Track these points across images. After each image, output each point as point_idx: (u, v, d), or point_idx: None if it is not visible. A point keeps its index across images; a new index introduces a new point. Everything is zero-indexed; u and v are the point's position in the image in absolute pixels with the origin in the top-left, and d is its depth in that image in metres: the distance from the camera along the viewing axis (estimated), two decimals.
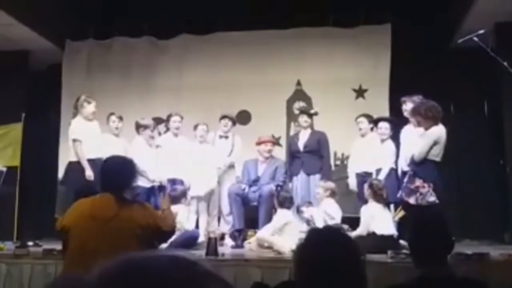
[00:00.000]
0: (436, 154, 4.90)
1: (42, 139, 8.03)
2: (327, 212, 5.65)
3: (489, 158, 7.47)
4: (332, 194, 5.84)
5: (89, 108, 5.90)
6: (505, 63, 5.17)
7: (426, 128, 4.91)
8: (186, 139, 6.72)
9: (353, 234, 4.91)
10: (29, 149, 7.64)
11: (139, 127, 6.44)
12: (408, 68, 7.31)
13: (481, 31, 5.18)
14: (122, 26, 8.04)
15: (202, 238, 5.81)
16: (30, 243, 5.58)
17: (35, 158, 7.89)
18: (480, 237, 6.65)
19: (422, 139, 4.92)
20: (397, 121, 6.22)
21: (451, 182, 6.66)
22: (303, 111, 6.67)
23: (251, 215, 6.24)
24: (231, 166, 6.71)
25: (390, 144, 6.13)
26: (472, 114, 7.69)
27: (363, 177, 6.08)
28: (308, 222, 5.59)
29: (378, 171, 6.02)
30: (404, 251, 4.29)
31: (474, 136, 7.53)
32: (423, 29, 7.36)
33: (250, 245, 5.53)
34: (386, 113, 6.90)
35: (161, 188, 6.34)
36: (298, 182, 6.34)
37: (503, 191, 7.11)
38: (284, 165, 6.56)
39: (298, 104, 7.67)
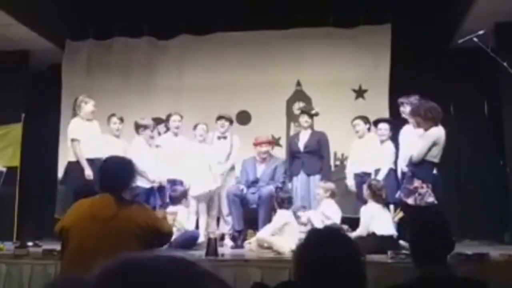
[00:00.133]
0: (435, 155, 4.89)
1: (42, 139, 8.03)
2: (325, 214, 5.63)
3: (489, 158, 7.47)
4: (332, 194, 5.84)
5: (87, 107, 5.90)
6: (505, 64, 5.17)
7: (426, 129, 4.90)
8: (186, 139, 6.72)
9: (353, 234, 4.91)
10: (29, 149, 7.64)
11: (138, 127, 6.43)
12: (408, 68, 7.31)
13: (481, 31, 5.18)
14: (122, 26, 8.04)
15: (202, 239, 5.80)
16: (30, 244, 5.58)
17: (35, 158, 7.89)
18: (480, 237, 6.65)
19: (421, 140, 4.92)
20: (396, 122, 6.23)
21: (451, 182, 6.67)
22: (304, 111, 6.65)
23: (250, 216, 6.22)
24: (232, 169, 6.69)
25: (390, 144, 6.12)
26: (472, 114, 7.68)
27: (361, 178, 6.08)
28: (305, 225, 5.55)
29: (377, 171, 6.02)
30: (404, 251, 4.29)
31: (474, 136, 7.53)
32: (423, 29, 7.36)
33: (250, 246, 5.53)
34: (386, 114, 6.90)
35: (161, 188, 6.33)
36: (298, 182, 6.33)
37: (503, 191, 7.11)
38: (283, 164, 6.54)
39: (298, 105, 7.67)
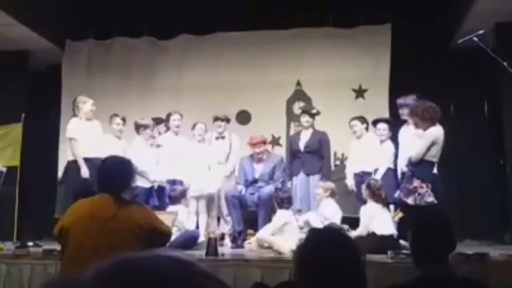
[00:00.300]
0: (434, 155, 4.89)
1: (42, 139, 8.03)
2: (324, 215, 5.62)
3: (489, 158, 7.47)
4: (332, 194, 5.83)
5: (86, 107, 5.91)
6: (505, 63, 5.17)
7: (424, 129, 4.91)
8: (186, 139, 6.72)
9: (353, 234, 4.90)
10: (29, 149, 7.63)
11: (138, 127, 6.43)
12: (408, 68, 7.30)
13: (481, 31, 5.18)
14: (122, 26, 8.04)
15: (202, 238, 5.80)
16: (30, 243, 5.57)
17: (35, 158, 7.89)
18: (480, 237, 6.64)
19: (420, 140, 4.92)
20: (395, 122, 6.23)
21: (451, 182, 6.66)
22: (304, 111, 6.63)
23: (250, 216, 6.22)
24: (233, 171, 6.66)
25: (389, 144, 6.13)
26: (472, 114, 7.68)
27: (361, 177, 6.07)
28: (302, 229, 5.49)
29: (376, 171, 6.02)
30: (404, 251, 4.29)
31: (474, 136, 7.53)
32: (423, 29, 7.36)
33: (250, 245, 5.53)
34: (386, 113, 6.90)
35: (160, 188, 6.33)
36: (298, 182, 6.32)
37: (503, 191, 7.11)
38: (282, 163, 6.50)
39: (298, 104, 7.67)
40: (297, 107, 7.67)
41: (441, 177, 5.42)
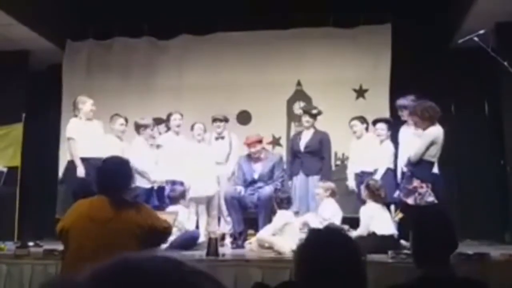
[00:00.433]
0: (433, 155, 4.89)
1: (43, 139, 8.04)
2: (323, 216, 5.61)
3: (489, 158, 7.46)
4: (333, 194, 5.83)
5: (86, 107, 5.92)
6: (505, 63, 5.16)
7: (424, 129, 4.91)
8: (187, 139, 6.71)
9: (353, 234, 4.90)
10: (30, 149, 7.64)
11: (139, 127, 6.42)
12: (408, 68, 7.31)
13: (482, 31, 5.18)
14: (122, 26, 8.04)
15: (202, 239, 5.80)
16: (31, 244, 5.57)
17: (36, 158, 7.90)
18: (481, 237, 6.64)
19: (419, 140, 4.92)
20: (394, 122, 6.23)
21: (451, 182, 6.66)
22: (305, 111, 6.61)
23: (250, 217, 6.21)
24: (233, 174, 6.65)
25: (389, 144, 6.13)
26: (472, 114, 7.69)
27: (361, 177, 6.07)
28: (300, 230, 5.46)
29: (375, 171, 6.02)
30: (405, 251, 4.29)
31: (474, 136, 7.53)
32: (423, 29, 7.36)
33: (251, 246, 5.53)
34: (386, 113, 6.90)
35: (160, 189, 6.32)
36: (297, 182, 6.30)
37: (503, 191, 7.11)
38: (281, 162, 6.46)
39: (299, 104, 7.67)
40: (297, 107, 7.67)
41: (442, 177, 5.42)
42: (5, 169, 7.15)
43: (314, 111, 6.50)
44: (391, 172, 5.97)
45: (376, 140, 6.23)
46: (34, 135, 7.81)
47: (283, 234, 5.13)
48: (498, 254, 4.48)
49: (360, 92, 7.63)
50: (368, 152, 6.18)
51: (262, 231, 5.41)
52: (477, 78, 7.44)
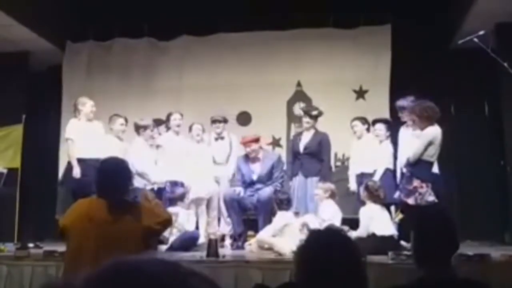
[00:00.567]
0: (431, 155, 4.89)
1: (43, 141, 8.03)
2: (322, 218, 5.60)
3: (489, 158, 7.46)
4: (332, 195, 5.81)
5: (86, 108, 5.93)
6: (505, 64, 5.16)
7: (422, 128, 4.91)
8: (187, 139, 6.71)
9: (353, 235, 4.89)
10: (30, 150, 7.63)
11: (138, 128, 6.41)
12: (408, 68, 7.31)
13: (482, 32, 5.18)
14: (123, 27, 8.04)
15: (202, 239, 5.79)
16: (31, 245, 5.55)
17: (36, 160, 7.89)
18: (481, 237, 6.63)
19: (417, 139, 4.93)
20: (394, 122, 6.22)
21: (451, 182, 6.66)
22: (305, 112, 6.58)
23: (250, 217, 6.20)
24: (234, 175, 6.63)
25: (388, 145, 6.13)
26: (472, 114, 7.69)
27: (361, 179, 6.06)
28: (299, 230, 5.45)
29: (374, 172, 6.02)
30: (405, 252, 4.28)
31: (474, 136, 7.53)
32: (423, 30, 7.36)
33: (251, 247, 5.52)
34: (386, 114, 6.90)
35: (160, 190, 6.31)
36: (296, 183, 6.28)
37: (503, 191, 7.11)
38: (280, 161, 6.42)
39: (299, 105, 7.66)
40: (297, 108, 7.66)
41: (442, 176, 5.42)
42: (5, 170, 7.14)
43: (314, 112, 6.44)
44: (390, 172, 5.97)
45: (375, 141, 6.23)
46: (34, 136, 7.80)
47: (283, 235, 5.13)
48: (498, 255, 4.48)
49: (360, 93, 7.63)
50: (368, 153, 6.18)
51: (262, 232, 5.40)
52: (477, 79, 7.43)
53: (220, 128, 6.71)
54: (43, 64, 8.29)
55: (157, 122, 7.21)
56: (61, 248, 4.25)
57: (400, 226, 5.41)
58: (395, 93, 6.84)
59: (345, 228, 5.27)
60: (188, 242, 5.56)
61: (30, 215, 7.55)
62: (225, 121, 6.80)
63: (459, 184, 7.30)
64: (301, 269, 1.74)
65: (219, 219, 6.62)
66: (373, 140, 6.28)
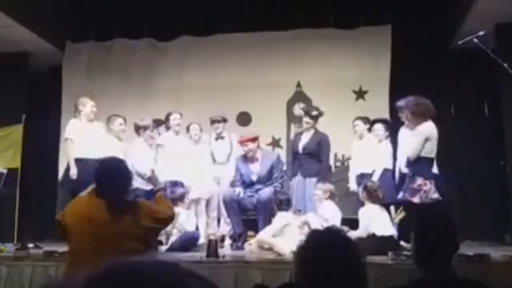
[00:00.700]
0: (430, 151, 4.89)
1: (43, 141, 8.04)
2: (323, 217, 5.60)
3: (489, 158, 7.46)
4: (331, 196, 5.80)
5: (86, 109, 5.94)
6: (505, 64, 5.16)
7: (415, 125, 4.91)
8: (187, 139, 6.71)
9: (353, 235, 4.89)
10: (30, 150, 7.63)
11: (138, 128, 6.41)
12: (408, 68, 7.32)
13: (482, 32, 5.18)
14: (123, 27, 8.04)
15: (202, 240, 5.79)
16: (31, 245, 5.55)
17: (36, 160, 7.89)
18: (481, 238, 6.63)
19: (414, 138, 4.93)
20: (393, 123, 6.22)
21: (451, 182, 6.66)
22: (305, 112, 6.57)
23: (250, 218, 6.19)
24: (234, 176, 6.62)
25: (387, 145, 6.13)
26: (472, 114, 7.69)
27: (361, 179, 6.06)
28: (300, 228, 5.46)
29: (373, 172, 6.01)
30: (405, 252, 4.28)
31: (474, 136, 7.53)
32: (423, 30, 7.37)
33: (251, 247, 5.52)
34: (386, 114, 6.91)
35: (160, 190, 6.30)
36: (295, 183, 6.27)
37: (504, 191, 7.11)
38: (280, 161, 6.40)
39: (299, 106, 7.66)
40: (297, 108, 7.67)
41: (442, 175, 5.42)
42: (5, 171, 7.14)
43: (315, 113, 6.41)
44: (388, 172, 5.97)
45: (375, 141, 6.23)
46: (34, 137, 7.80)
47: (283, 236, 5.13)
48: (498, 255, 4.48)
49: (360, 94, 7.63)
50: (368, 153, 6.18)
51: (262, 232, 5.40)
52: (477, 79, 7.44)
53: (220, 128, 6.71)
54: (43, 64, 8.29)
55: (157, 123, 7.21)
56: (61, 248, 4.25)
57: (400, 226, 5.41)
58: (395, 93, 6.83)
59: (345, 228, 5.27)
60: (188, 242, 5.56)
61: (30, 215, 7.55)
62: (224, 121, 6.80)
63: (459, 184, 7.29)
64: (301, 269, 1.74)
65: (218, 220, 6.62)
66: (374, 140, 6.28)
